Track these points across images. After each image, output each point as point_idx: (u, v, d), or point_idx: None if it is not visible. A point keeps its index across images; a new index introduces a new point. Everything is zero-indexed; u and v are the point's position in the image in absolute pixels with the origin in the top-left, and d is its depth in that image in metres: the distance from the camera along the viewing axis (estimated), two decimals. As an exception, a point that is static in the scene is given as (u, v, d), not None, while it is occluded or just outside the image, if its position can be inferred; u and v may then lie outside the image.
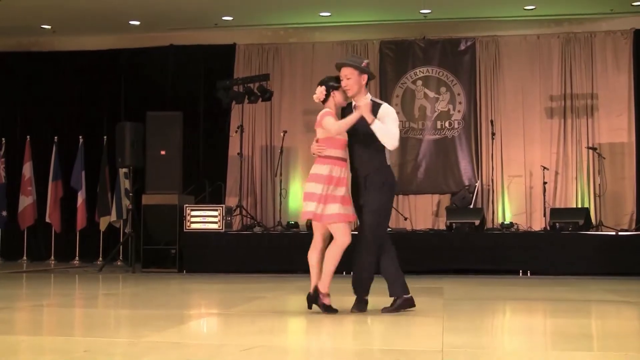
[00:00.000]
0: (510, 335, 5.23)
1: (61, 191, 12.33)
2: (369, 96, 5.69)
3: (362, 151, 5.66)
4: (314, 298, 5.61)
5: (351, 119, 5.52)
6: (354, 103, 5.70)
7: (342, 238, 5.52)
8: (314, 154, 5.73)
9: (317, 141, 5.70)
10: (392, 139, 5.56)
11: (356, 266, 5.73)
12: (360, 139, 5.62)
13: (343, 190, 5.58)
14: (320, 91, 5.68)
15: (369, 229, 5.63)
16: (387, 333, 5.04)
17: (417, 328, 5.18)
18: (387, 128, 5.54)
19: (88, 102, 13.14)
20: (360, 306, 5.73)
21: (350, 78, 5.60)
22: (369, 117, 5.49)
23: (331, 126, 5.55)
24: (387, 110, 5.63)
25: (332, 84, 5.67)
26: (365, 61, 5.71)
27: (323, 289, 5.59)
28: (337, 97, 5.67)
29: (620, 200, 11.73)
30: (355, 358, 4.15)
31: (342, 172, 5.62)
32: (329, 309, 5.58)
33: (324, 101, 5.71)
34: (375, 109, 5.61)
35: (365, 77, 5.66)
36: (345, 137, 5.63)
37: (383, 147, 5.59)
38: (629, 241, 9.85)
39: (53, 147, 12.30)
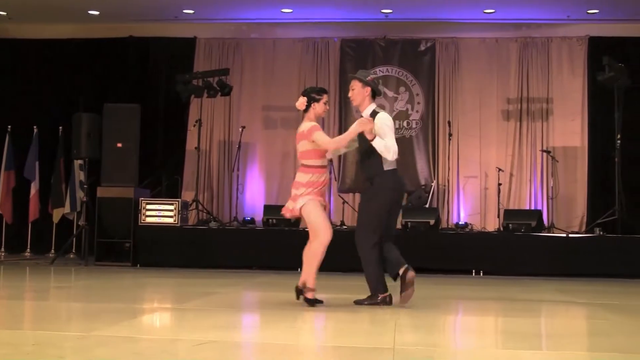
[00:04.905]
0: (462, 333, 5.30)
1: (13, 181, 12.10)
2: (372, 106, 6.12)
3: (363, 156, 6.11)
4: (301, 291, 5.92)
5: (348, 135, 5.97)
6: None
7: (324, 235, 5.85)
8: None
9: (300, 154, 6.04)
10: (390, 153, 5.94)
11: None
12: (362, 146, 6.08)
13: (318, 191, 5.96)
14: (302, 102, 6.03)
15: (361, 225, 6.08)
16: (339, 330, 5.06)
17: (369, 325, 5.22)
18: (384, 143, 5.91)
19: (44, 91, 12.92)
20: (368, 300, 6.07)
21: (354, 89, 6.13)
22: (369, 134, 5.87)
23: (328, 144, 5.95)
24: (382, 120, 6.03)
25: (314, 95, 6.04)
26: (371, 76, 6.24)
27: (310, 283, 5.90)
28: (317, 108, 6.03)
29: (571, 203, 11.94)
30: (306, 354, 4.17)
31: (322, 176, 5.98)
32: (311, 302, 5.87)
33: (305, 110, 6.04)
34: (373, 117, 6.04)
35: (369, 89, 6.11)
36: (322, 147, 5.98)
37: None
38: (579, 243, 10.02)
39: (6, 136, 12.07)
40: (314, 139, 5.90)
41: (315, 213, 5.88)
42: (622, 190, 10.47)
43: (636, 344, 4.63)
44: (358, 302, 6.08)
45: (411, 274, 6.00)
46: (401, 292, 6.04)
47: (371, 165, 6.09)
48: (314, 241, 5.88)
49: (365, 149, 6.04)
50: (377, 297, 6.02)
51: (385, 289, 6.05)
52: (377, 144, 5.91)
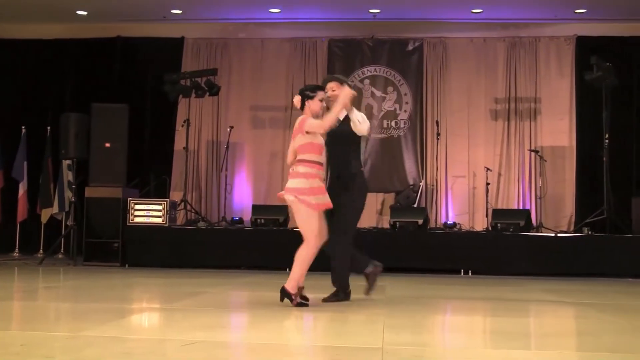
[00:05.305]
0: (451, 333, 5.31)
1: (2, 182, 12.05)
2: (344, 112, 6.32)
3: (345, 155, 6.27)
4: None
5: (337, 110, 6.01)
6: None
7: (315, 240, 5.84)
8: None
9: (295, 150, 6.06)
10: (366, 124, 6.28)
11: (335, 260, 6.27)
12: (340, 143, 6.25)
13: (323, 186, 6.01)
14: (297, 100, 6.12)
15: (348, 226, 6.19)
16: (328, 330, 5.07)
17: (358, 325, 5.22)
18: (362, 115, 6.32)
19: (32, 91, 12.89)
20: (335, 297, 6.26)
21: (335, 90, 6.33)
22: (348, 106, 6.16)
23: (321, 125, 5.96)
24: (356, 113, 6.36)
25: (307, 92, 6.14)
26: (348, 80, 6.62)
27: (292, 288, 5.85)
28: (311, 105, 6.09)
29: (560, 203, 11.99)
30: (295, 354, 4.17)
31: (321, 173, 6.08)
32: (299, 304, 5.83)
33: (301, 108, 6.13)
34: (347, 121, 6.28)
35: None
36: (321, 142, 6.06)
37: (359, 152, 6.30)
38: (567, 242, 10.05)
39: (-6, 137, 12.02)
40: (307, 129, 5.93)
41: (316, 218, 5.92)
42: (611, 190, 10.52)
43: (625, 343, 4.65)
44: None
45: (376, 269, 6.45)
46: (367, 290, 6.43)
47: (352, 164, 6.27)
48: (306, 246, 5.85)
49: (345, 148, 6.20)
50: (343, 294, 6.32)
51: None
52: (356, 115, 6.21)
